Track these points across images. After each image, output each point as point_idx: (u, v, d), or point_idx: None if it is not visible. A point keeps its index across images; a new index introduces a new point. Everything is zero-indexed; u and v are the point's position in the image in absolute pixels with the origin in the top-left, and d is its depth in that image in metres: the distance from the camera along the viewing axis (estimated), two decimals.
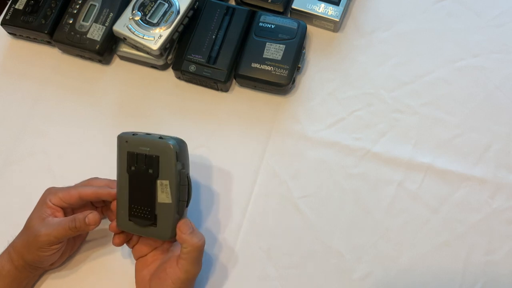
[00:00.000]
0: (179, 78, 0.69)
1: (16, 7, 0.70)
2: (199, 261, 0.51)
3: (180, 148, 0.51)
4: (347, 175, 0.63)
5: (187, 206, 0.53)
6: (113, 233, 0.54)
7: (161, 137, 0.52)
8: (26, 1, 0.70)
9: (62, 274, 0.60)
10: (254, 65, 0.65)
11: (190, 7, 0.67)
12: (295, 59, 0.65)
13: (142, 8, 0.66)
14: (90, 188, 0.54)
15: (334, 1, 0.68)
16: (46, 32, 0.69)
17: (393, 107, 0.66)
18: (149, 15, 0.66)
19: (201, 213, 0.62)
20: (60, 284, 0.59)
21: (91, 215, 0.53)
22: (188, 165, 0.53)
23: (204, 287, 0.59)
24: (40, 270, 0.57)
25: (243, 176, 0.63)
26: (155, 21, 0.66)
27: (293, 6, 0.69)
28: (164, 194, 0.51)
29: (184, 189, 0.52)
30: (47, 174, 0.65)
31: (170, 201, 0.50)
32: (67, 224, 0.52)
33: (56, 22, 0.69)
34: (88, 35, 0.68)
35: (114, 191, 0.53)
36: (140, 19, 0.66)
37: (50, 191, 0.55)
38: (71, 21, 0.68)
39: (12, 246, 0.55)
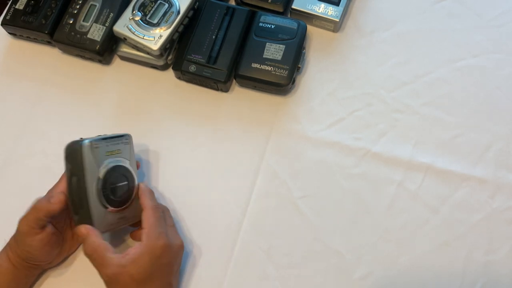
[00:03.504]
0: (179, 78, 0.69)
1: (17, 7, 0.70)
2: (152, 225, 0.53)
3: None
4: (347, 175, 0.63)
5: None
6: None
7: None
8: (27, 1, 0.70)
9: (61, 271, 0.60)
10: (254, 65, 0.65)
11: (190, 7, 0.67)
12: (295, 59, 0.65)
13: (142, 8, 0.66)
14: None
15: (334, 1, 0.68)
16: (46, 32, 0.69)
17: (393, 107, 0.66)
18: (149, 15, 0.66)
19: (201, 213, 0.62)
20: (60, 281, 0.59)
21: (57, 194, 0.53)
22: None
23: (203, 287, 0.59)
24: (37, 268, 0.57)
25: (243, 176, 0.63)
26: (155, 21, 0.66)
27: (293, 6, 0.69)
28: None
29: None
30: (47, 174, 0.65)
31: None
32: (36, 204, 0.53)
33: (57, 22, 0.69)
34: (89, 35, 0.68)
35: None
36: (140, 19, 0.66)
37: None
38: (71, 21, 0.68)
39: (8, 244, 0.56)
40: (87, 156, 0.53)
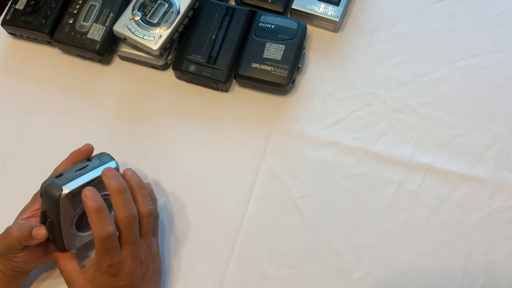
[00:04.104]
0: (179, 78, 0.69)
1: (17, 7, 0.70)
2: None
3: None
4: (347, 175, 0.63)
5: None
6: None
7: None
8: (27, 1, 0.70)
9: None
10: (254, 65, 0.65)
11: (190, 7, 0.67)
12: (295, 59, 0.65)
13: (142, 8, 0.66)
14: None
15: (334, 1, 0.68)
16: (46, 32, 0.69)
17: (393, 107, 0.66)
18: (149, 15, 0.66)
19: (201, 213, 0.62)
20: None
21: (39, 229, 0.51)
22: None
23: (204, 287, 0.59)
24: (29, 272, 0.57)
25: (243, 176, 0.63)
26: (155, 21, 0.66)
27: (293, 6, 0.69)
28: None
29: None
30: (47, 174, 0.65)
31: None
32: (15, 233, 0.50)
33: (57, 22, 0.69)
34: (89, 35, 0.68)
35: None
36: (140, 19, 0.66)
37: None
38: (71, 21, 0.68)
39: None
40: (64, 205, 0.50)
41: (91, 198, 0.48)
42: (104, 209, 0.49)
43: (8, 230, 0.51)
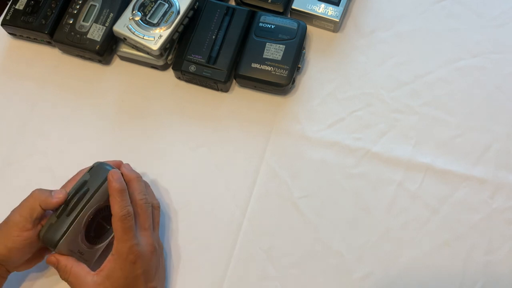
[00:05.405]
0: (179, 78, 0.69)
1: (17, 7, 0.70)
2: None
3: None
4: (347, 175, 0.63)
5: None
6: None
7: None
8: (27, 2, 0.70)
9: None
10: (254, 65, 0.65)
11: (190, 7, 0.67)
12: (295, 59, 0.65)
13: (142, 8, 0.66)
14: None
15: (334, 1, 0.68)
16: (46, 32, 0.69)
17: (393, 107, 0.66)
18: (149, 15, 0.66)
19: (201, 213, 0.62)
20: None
21: (58, 192, 0.53)
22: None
23: (203, 287, 0.59)
24: (7, 271, 0.54)
25: (243, 176, 0.63)
26: (155, 21, 0.66)
27: (293, 6, 0.69)
28: None
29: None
30: (47, 174, 0.65)
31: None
32: (37, 194, 0.52)
33: (56, 22, 0.69)
34: (88, 35, 0.68)
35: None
36: (140, 19, 0.66)
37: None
38: (71, 21, 0.69)
39: None
40: (106, 186, 0.54)
41: (116, 178, 0.53)
42: (126, 191, 0.53)
43: (30, 194, 0.54)
